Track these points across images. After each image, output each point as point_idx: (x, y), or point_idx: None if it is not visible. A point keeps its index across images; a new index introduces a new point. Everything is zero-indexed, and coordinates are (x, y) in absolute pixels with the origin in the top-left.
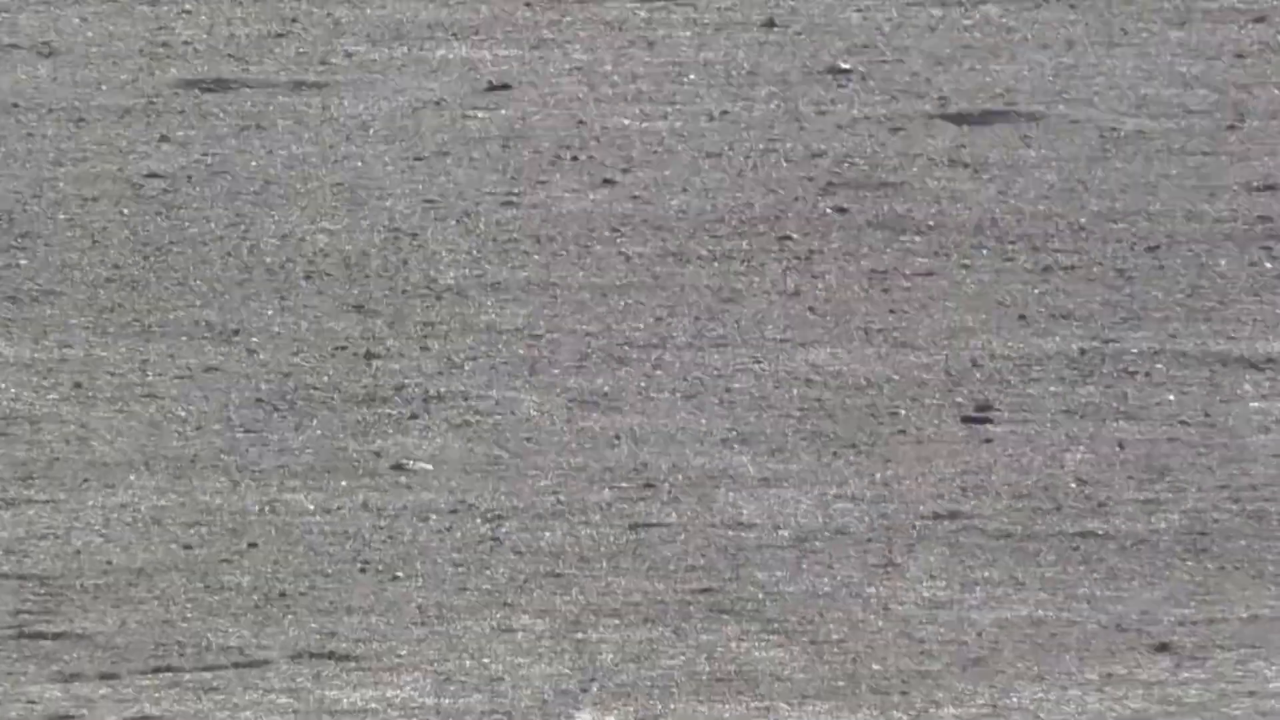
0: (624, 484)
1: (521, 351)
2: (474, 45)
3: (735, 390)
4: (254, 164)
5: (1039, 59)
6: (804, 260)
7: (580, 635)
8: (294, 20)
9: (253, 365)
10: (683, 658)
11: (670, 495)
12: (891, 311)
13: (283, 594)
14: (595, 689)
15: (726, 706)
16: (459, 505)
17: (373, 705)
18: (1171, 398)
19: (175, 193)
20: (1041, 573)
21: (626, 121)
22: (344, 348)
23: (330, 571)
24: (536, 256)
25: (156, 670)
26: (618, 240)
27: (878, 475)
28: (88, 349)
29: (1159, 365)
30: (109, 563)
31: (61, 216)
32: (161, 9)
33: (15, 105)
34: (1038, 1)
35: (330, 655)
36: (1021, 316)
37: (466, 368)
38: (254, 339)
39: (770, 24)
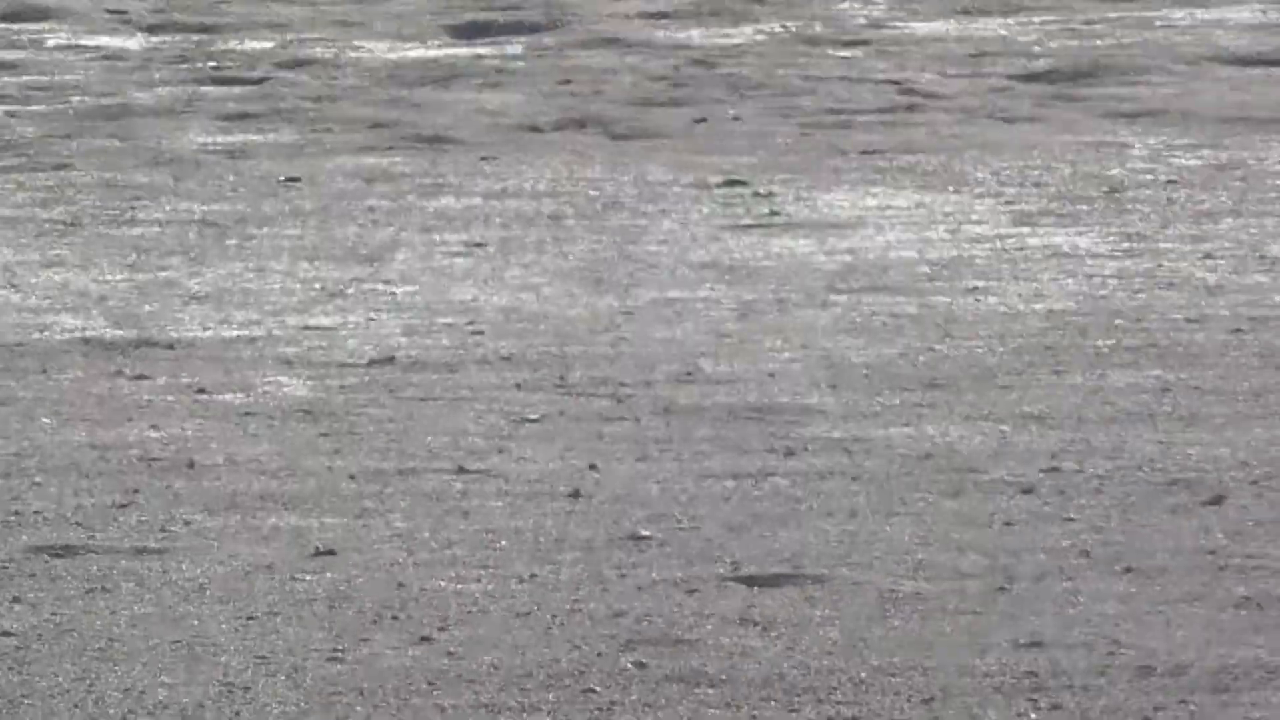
0: None
1: None
2: (302, 514)
3: None
4: (99, 623)
5: (824, 526)
6: (605, 711)
7: None
8: (136, 491)
9: None
10: None
11: None
12: None
13: None
14: None
15: None
16: None
17: None
18: None
19: (26, 649)
20: None
21: (443, 584)
22: None
23: None
24: (359, 708)
25: None
26: (434, 694)
27: None
28: None
29: None
30: None
31: None
32: (14, 481)
33: None
34: (823, 474)
35: None
36: None
37: None
38: None
39: (576, 494)
